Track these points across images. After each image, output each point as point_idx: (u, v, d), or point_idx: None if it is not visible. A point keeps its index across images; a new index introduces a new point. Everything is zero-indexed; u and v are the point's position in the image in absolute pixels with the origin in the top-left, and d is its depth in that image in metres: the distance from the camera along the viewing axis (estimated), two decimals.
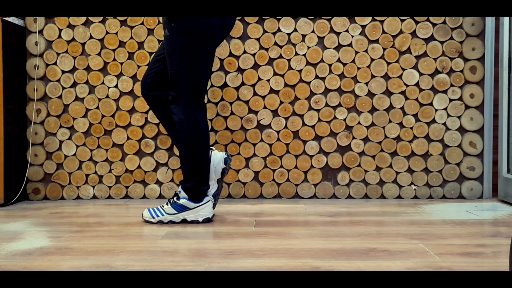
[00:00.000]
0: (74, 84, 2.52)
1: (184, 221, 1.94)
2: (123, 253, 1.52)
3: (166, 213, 1.94)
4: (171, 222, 1.94)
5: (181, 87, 1.87)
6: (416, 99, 2.47)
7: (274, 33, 2.47)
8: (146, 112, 2.51)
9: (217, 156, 1.98)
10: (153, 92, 1.99)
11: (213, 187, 1.99)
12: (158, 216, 1.94)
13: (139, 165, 2.53)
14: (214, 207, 1.99)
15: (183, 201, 1.93)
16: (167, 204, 1.97)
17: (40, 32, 2.50)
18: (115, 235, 1.76)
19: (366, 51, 2.46)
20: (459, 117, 2.47)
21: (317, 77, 2.48)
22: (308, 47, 2.47)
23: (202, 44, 1.85)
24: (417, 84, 2.46)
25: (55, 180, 2.53)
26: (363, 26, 2.46)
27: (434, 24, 2.45)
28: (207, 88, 2.01)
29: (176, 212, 1.94)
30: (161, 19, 2.48)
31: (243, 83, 2.49)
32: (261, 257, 1.47)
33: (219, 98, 2.50)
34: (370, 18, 2.46)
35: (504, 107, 2.41)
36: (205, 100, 2.51)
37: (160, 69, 1.97)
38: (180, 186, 1.97)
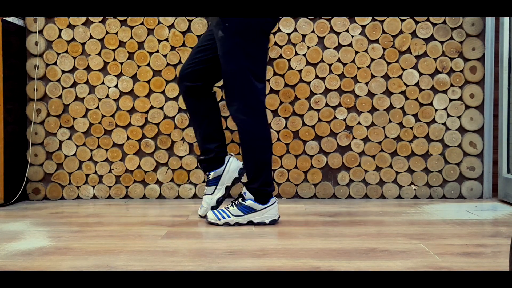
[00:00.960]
0: (74, 84, 2.52)
1: (250, 223, 1.91)
2: (123, 253, 1.52)
3: (232, 215, 1.90)
4: (237, 224, 1.90)
5: (238, 88, 1.85)
6: (416, 99, 2.47)
7: (274, 33, 2.47)
8: (146, 112, 2.51)
9: (234, 164, 2.02)
10: (192, 82, 1.99)
11: (219, 192, 2.00)
12: (224, 218, 1.90)
13: (139, 165, 2.53)
14: (210, 208, 2.00)
15: (249, 202, 1.90)
16: (232, 205, 1.93)
17: (40, 32, 2.50)
18: (115, 235, 1.76)
19: (366, 51, 2.46)
20: (459, 117, 2.47)
21: (317, 77, 2.48)
22: (308, 47, 2.47)
23: (256, 42, 1.85)
24: (417, 84, 2.46)
25: (55, 180, 2.53)
26: (363, 26, 2.46)
27: (434, 24, 2.45)
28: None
29: (242, 214, 1.90)
30: (161, 19, 2.48)
31: None
32: (261, 257, 1.47)
33: (219, 98, 2.49)
34: (370, 18, 2.46)
35: (504, 107, 2.41)
36: None
37: (201, 60, 1.98)
38: (244, 187, 1.94)
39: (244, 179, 1.98)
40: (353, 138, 2.49)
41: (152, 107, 2.51)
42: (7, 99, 2.37)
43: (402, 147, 2.48)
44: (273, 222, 1.91)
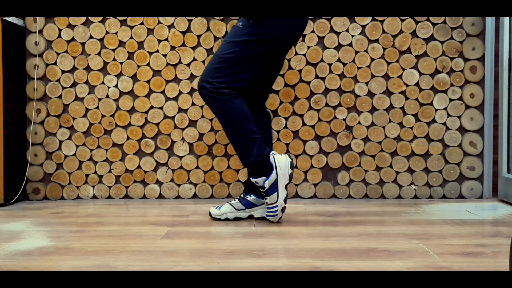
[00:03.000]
0: (74, 84, 2.52)
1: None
2: (123, 253, 1.52)
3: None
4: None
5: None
6: (416, 99, 2.47)
7: None
8: (146, 112, 2.51)
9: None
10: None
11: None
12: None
13: (139, 165, 2.53)
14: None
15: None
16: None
17: (40, 32, 2.50)
18: (115, 235, 1.76)
19: (366, 50, 2.46)
20: (459, 117, 2.47)
21: (317, 77, 2.48)
22: (308, 47, 2.47)
23: (266, 51, 1.91)
24: (417, 84, 2.46)
25: (55, 180, 2.53)
26: (363, 26, 2.46)
27: (434, 24, 2.45)
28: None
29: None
30: (161, 19, 2.48)
31: None
32: (261, 257, 1.47)
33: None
34: (370, 18, 2.45)
35: (504, 107, 2.41)
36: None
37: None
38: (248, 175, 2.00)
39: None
40: (353, 138, 2.49)
41: (152, 107, 2.51)
42: (7, 99, 2.37)
43: (402, 147, 2.48)
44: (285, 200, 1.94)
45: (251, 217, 2.01)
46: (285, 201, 1.91)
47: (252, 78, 1.91)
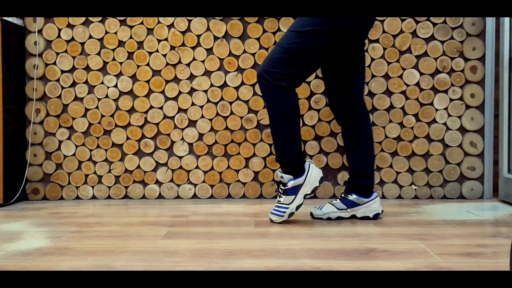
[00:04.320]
0: (74, 84, 2.51)
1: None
2: (123, 253, 1.52)
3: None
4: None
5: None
6: (417, 99, 2.47)
7: (274, 33, 2.47)
8: (146, 112, 2.51)
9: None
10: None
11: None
12: (285, 212, 1.92)
13: (138, 165, 2.53)
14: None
15: (290, 183, 1.89)
16: (279, 197, 1.94)
17: (40, 31, 2.50)
18: (115, 235, 1.76)
19: (366, 50, 2.46)
20: (459, 117, 2.47)
21: (317, 76, 2.48)
22: None
23: (329, 43, 1.86)
24: (417, 84, 2.46)
25: (55, 180, 2.53)
26: None
27: (434, 24, 2.45)
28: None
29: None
30: (161, 19, 2.48)
31: (243, 83, 2.49)
32: (261, 257, 1.46)
33: (219, 98, 2.49)
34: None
35: (505, 106, 2.41)
36: (205, 100, 2.51)
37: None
38: (278, 172, 1.95)
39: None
40: None
41: (151, 107, 2.51)
42: (6, 99, 2.37)
43: (402, 147, 2.47)
44: (314, 191, 1.95)
45: (353, 216, 2.00)
46: (296, 209, 1.91)
47: (311, 71, 1.88)
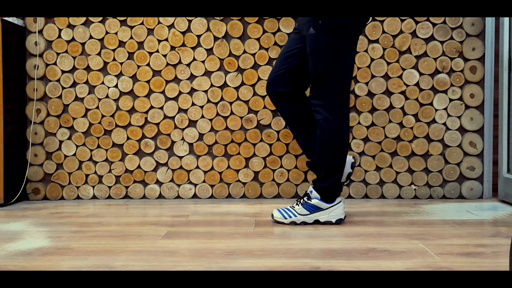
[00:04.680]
0: (74, 84, 2.52)
1: (316, 222, 1.91)
2: (123, 253, 1.52)
3: (298, 213, 1.91)
4: (303, 223, 1.91)
5: (326, 85, 1.84)
6: (416, 99, 2.47)
7: (274, 33, 2.47)
8: (146, 112, 2.51)
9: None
10: (283, 88, 1.97)
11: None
12: (290, 217, 1.91)
13: (139, 165, 2.53)
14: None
15: (315, 201, 1.90)
16: (297, 204, 1.93)
17: (40, 32, 2.50)
18: (115, 235, 1.76)
19: (366, 51, 2.46)
20: (459, 117, 2.47)
21: None
22: None
23: (348, 42, 1.83)
24: (417, 84, 2.46)
25: (55, 180, 2.53)
26: None
27: (434, 24, 2.45)
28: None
29: (308, 212, 1.91)
30: (161, 19, 2.48)
31: (243, 83, 2.49)
32: (261, 257, 1.47)
33: (219, 98, 2.50)
34: (370, 18, 2.45)
35: (504, 107, 2.41)
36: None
37: (291, 66, 1.95)
38: (311, 186, 1.94)
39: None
40: (353, 138, 2.49)
41: (152, 107, 2.51)
42: (7, 99, 2.37)
43: (402, 147, 2.48)
44: (340, 221, 1.91)
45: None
46: (302, 223, 1.93)
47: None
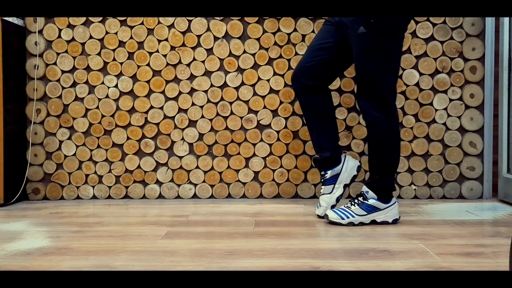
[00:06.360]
0: (74, 84, 2.52)
1: (373, 222, 1.90)
2: (123, 253, 1.52)
3: (356, 214, 1.89)
4: (361, 224, 1.89)
5: (377, 85, 1.83)
6: (416, 99, 2.47)
7: (274, 33, 2.47)
8: (146, 112, 2.51)
9: (351, 162, 2.02)
10: (311, 81, 1.97)
11: (338, 190, 1.99)
12: (348, 217, 1.88)
13: (139, 165, 2.53)
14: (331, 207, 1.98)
15: (372, 201, 1.89)
16: (352, 204, 1.91)
17: (40, 32, 2.50)
18: (115, 235, 1.76)
19: None
20: (459, 117, 2.47)
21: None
22: None
23: (399, 41, 1.84)
24: (417, 84, 2.46)
25: (55, 180, 2.53)
26: None
27: (434, 24, 2.45)
28: None
29: (366, 213, 1.89)
30: (161, 19, 2.48)
31: (243, 83, 2.49)
32: (261, 257, 1.47)
33: (219, 98, 2.50)
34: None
35: (504, 107, 2.41)
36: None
37: (324, 59, 1.95)
38: (365, 186, 1.93)
39: (359, 177, 2.01)
40: (353, 138, 2.49)
41: (152, 107, 2.51)
42: (7, 99, 2.37)
43: (402, 147, 2.47)
44: (396, 221, 1.91)
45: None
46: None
47: None
